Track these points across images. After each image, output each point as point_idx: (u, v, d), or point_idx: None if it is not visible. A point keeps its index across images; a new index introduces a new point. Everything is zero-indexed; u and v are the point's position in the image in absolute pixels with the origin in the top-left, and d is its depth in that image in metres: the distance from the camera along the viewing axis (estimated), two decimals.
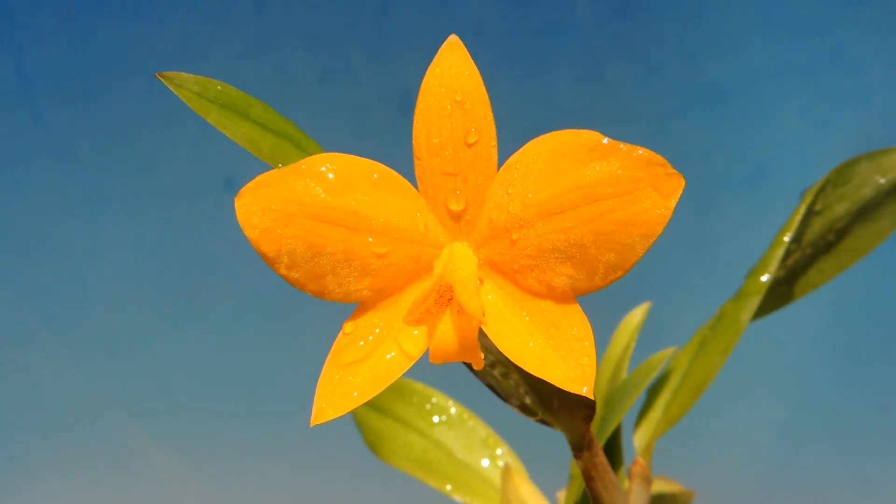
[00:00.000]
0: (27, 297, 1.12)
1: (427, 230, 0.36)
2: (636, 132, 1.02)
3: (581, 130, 0.35)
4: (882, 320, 1.02)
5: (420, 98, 0.36)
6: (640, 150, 0.34)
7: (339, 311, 0.38)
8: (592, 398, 0.33)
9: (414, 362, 0.36)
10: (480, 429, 0.56)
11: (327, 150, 0.39)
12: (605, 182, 0.34)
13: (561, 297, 0.35)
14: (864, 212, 0.49)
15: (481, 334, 0.36)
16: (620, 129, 1.06)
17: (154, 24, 1.08)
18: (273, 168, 0.35)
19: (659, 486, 0.55)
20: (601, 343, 0.54)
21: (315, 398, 0.36)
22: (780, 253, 0.47)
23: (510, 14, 1.06)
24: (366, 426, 0.56)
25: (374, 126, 1.07)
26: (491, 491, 0.53)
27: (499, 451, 0.55)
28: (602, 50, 1.03)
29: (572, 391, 0.33)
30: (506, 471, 0.52)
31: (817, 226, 0.49)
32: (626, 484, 0.48)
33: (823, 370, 1.03)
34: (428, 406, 0.56)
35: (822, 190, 0.49)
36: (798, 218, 0.48)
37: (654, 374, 0.48)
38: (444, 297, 0.35)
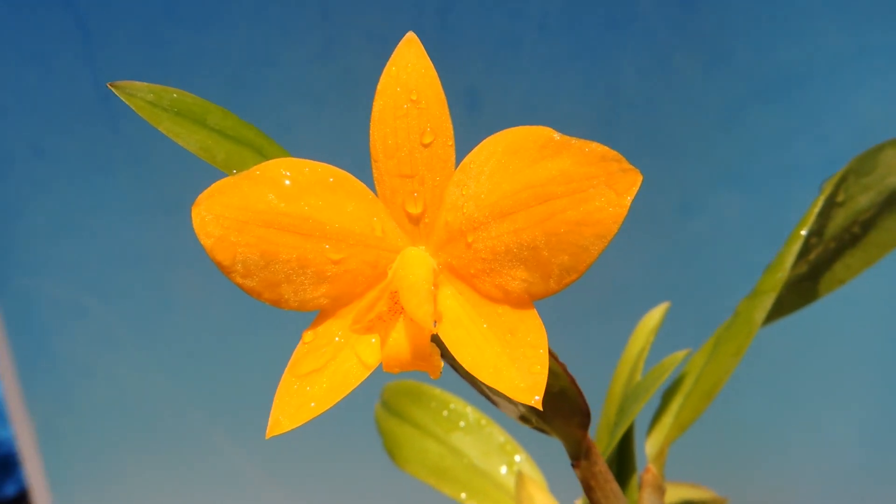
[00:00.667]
0: (111, 303, 1.15)
1: (385, 234, 0.35)
2: (706, 123, 0.99)
3: (534, 126, 0.33)
4: None
5: (376, 98, 0.35)
6: (594, 146, 0.32)
7: None
8: (541, 408, 0.31)
9: (371, 371, 0.35)
10: (498, 434, 0.54)
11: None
12: (557, 180, 0.32)
13: (517, 302, 0.34)
14: (892, 202, 0.46)
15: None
16: (689, 119, 1.03)
17: (225, 31, 1.10)
18: (228, 175, 0.35)
19: (687, 493, 0.52)
20: (621, 345, 0.52)
21: (272, 409, 0.35)
22: (796, 248, 0.44)
23: (574, 7, 1.04)
24: (385, 432, 0.55)
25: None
26: (507, 499, 0.52)
27: (517, 458, 0.53)
28: (668, 40, 1.00)
29: (522, 401, 0.32)
30: (519, 478, 0.50)
31: (840, 218, 0.46)
32: (638, 494, 0.46)
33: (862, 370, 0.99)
34: (445, 412, 0.55)
35: (843, 180, 0.46)
36: (816, 210, 0.45)
37: (666, 378, 0.46)
38: (399, 304, 0.34)
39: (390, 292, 0.34)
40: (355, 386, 0.34)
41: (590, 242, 0.32)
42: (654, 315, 0.51)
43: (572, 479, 0.52)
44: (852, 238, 0.47)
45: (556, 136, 0.32)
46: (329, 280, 0.35)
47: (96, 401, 1.20)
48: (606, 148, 0.32)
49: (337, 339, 0.35)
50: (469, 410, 0.55)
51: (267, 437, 0.35)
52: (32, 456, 1.20)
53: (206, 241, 0.35)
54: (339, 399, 0.35)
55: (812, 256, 0.47)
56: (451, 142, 0.35)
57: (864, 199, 0.46)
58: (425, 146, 0.35)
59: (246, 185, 0.34)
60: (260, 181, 0.34)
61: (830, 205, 0.46)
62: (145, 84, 0.36)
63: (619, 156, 0.32)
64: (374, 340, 0.35)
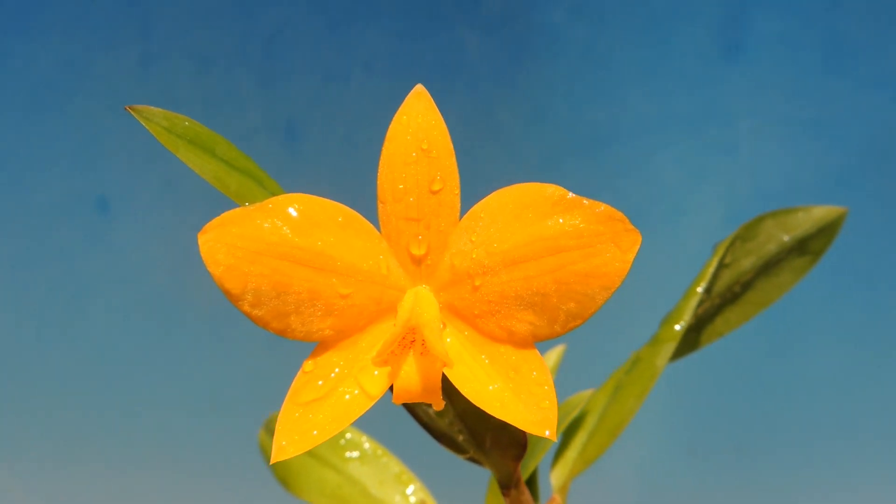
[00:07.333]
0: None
1: (389, 272, 0.37)
2: (525, 174, 1.05)
3: (545, 184, 0.36)
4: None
5: (386, 144, 0.37)
6: (602, 206, 0.36)
7: None
8: (556, 440, 0.34)
9: (374, 402, 0.37)
10: (394, 465, 0.56)
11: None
12: (569, 235, 0.35)
13: (520, 343, 0.37)
14: (768, 266, 0.53)
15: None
16: (512, 167, 1.08)
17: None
18: (239, 206, 0.36)
19: None
20: None
21: (275, 435, 0.36)
22: (693, 303, 0.50)
23: (401, 54, 1.08)
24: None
25: (263, 150, 1.07)
26: None
27: (411, 488, 0.56)
28: (492, 92, 1.06)
29: (535, 434, 0.35)
30: None
31: (726, 278, 0.52)
32: None
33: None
34: (342, 441, 0.56)
35: (731, 244, 0.52)
36: (711, 270, 0.50)
37: (573, 415, 0.50)
38: (407, 339, 0.36)
39: (409, 328, 0.36)
40: (359, 416, 0.36)
41: (596, 292, 0.36)
42: (551, 357, 0.55)
43: None
44: (733, 296, 0.53)
45: (569, 194, 0.36)
46: (336, 313, 0.37)
47: None
48: (613, 209, 0.36)
49: (338, 369, 0.37)
50: (365, 440, 0.57)
51: (272, 462, 0.36)
52: None
53: (214, 269, 0.35)
54: (341, 428, 0.36)
55: (700, 310, 0.52)
56: (458, 190, 0.37)
57: (746, 262, 0.52)
58: (433, 193, 0.37)
59: (259, 216, 0.36)
60: (273, 214, 0.36)
61: (720, 266, 0.51)
62: (160, 110, 0.36)
63: (624, 216, 0.36)
64: (377, 373, 0.36)
